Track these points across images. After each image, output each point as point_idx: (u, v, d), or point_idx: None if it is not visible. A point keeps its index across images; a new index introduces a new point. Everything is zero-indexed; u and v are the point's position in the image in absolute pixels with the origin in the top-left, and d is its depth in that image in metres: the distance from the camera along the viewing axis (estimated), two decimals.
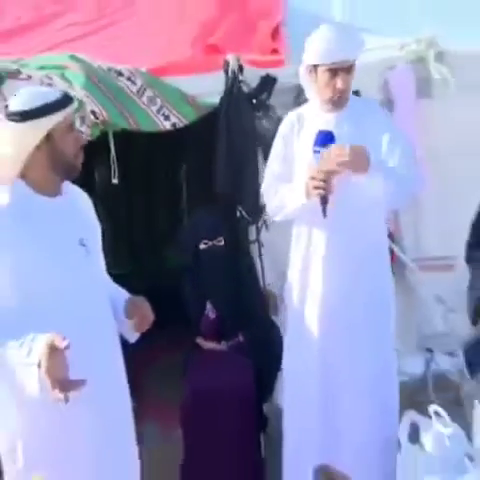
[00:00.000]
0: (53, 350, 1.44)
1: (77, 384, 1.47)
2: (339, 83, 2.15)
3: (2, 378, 1.64)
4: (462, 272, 2.89)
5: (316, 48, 2.19)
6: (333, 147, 2.06)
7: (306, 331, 2.35)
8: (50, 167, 1.69)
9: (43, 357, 1.44)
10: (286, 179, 2.32)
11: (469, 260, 2.07)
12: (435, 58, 3.21)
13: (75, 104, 1.76)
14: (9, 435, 1.72)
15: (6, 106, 1.68)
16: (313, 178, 2.07)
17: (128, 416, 1.90)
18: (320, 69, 2.17)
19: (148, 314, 1.81)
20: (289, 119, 2.39)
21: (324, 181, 2.05)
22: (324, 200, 2.10)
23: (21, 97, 1.68)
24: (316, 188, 2.07)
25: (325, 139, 2.09)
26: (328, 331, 2.31)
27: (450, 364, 2.91)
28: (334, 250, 2.26)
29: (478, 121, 2.92)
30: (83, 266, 1.74)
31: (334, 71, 2.15)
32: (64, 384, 1.45)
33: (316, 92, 2.27)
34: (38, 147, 1.64)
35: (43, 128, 1.63)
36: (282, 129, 2.39)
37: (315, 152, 2.10)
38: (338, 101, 2.22)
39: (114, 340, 1.84)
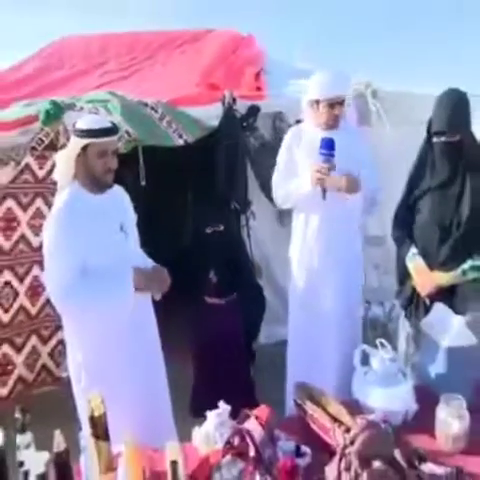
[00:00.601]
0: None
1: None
2: (336, 111, 2.12)
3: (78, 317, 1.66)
4: (391, 246, 2.88)
5: (318, 88, 2.13)
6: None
7: (304, 286, 2.33)
8: (87, 177, 1.63)
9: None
10: (288, 175, 2.25)
11: (394, 238, 2.05)
12: (371, 95, 3.17)
13: (114, 137, 1.64)
14: (76, 364, 1.70)
15: (67, 129, 1.67)
16: (318, 171, 2.04)
17: (159, 351, 1.85)
18: (321, 103, 2.12)
19: (167, 279, 1.75)
20: (292, 132, 2.30)
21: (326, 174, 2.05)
22: (324, 188, 2.08)
23: (84, 119, 1.65)
24: (319, 179, 2.04)
25: (328, 144, 2.03)
26: (319, 286, 2.28)
27: (381, 311, 2.89)
28: (323, 235, 2.23)
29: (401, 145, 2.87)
30: (123, 245, 1.69)
31: (332, 104, 2.10)
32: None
33: (314, 118, 2.19)
34: (78, 157, 1.59)
35: (81, 143, 1.58)
36: (287, 140, 2.29)
37: (321, 154, 2.04)
38: (333, 124, 2.16)
39: (147, 296, 1.79)
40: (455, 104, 1.78)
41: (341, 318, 2.25)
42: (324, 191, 2.08)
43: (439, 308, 1.59)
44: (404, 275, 1.98)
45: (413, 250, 1.91)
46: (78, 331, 1.68)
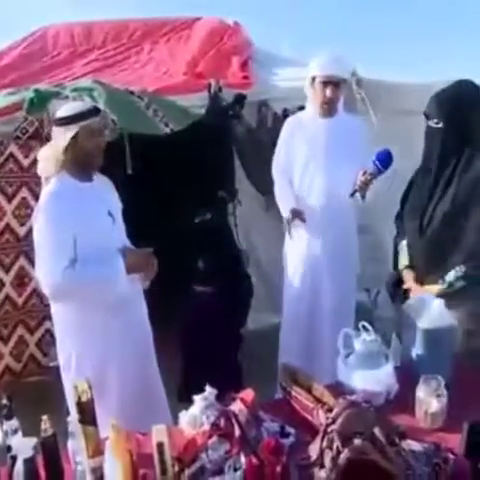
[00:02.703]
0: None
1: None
2: (328, 92, 2.13)
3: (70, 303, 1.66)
4: (376, 235, 2.91)
5: (315, 65, 2.18)
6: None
7: (299, 276, 2.38)
8: (77, 162, 1.63)
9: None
10: (287, 166, 2.34)
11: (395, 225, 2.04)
12: (356, 83, 3.17)
13: (99, 116, 1.66)
14: (66, 352, 1.71)
15: (51, 117, 1.67)
16: (364, 176, 2.04)
17: (150, 338, 1.86)
18: (316, 80, 2.15)
19: (154, 263, 1.75)
20: (289, 122, 2.36)
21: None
22: (363, 193, 2.10)
23: (63, 108, 1.63)
24: (361, 186, 2.06)
25: (385, 158, 1.97)
26: (314, 276, 2.34)
27: (366, 297, 2.92)
28: (320, 226, 2.29)
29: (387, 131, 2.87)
30: (111, 230, 1.70)
31: (325, 83, 2.12)
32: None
33: (312, 98, 2.23)
34: (68, 146, 1.58)
35: (71, 131, 1.57)
36: (284, 129, 2.36)
37: (373, 162, 1.99)
38: (327, 107, 2.18)
39: (137, 283, 1.79)
40: (451, 92, 1.73)
41: (336, 306, 2.29)
42: (363, 196, 2.10)
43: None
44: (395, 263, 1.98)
45: (403, 242, 1.90)
46: (68, 319, 1.68)
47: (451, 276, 1.70)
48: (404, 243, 1.90)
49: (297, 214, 2.22)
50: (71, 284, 1.57)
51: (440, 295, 1.64)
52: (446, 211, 1.71)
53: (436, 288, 1.72)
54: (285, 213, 2.28)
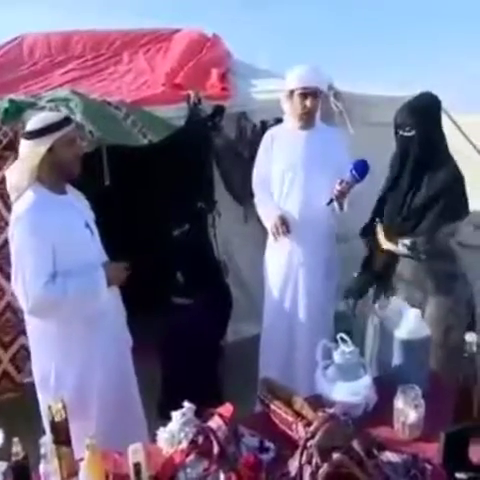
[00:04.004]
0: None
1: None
2: (308, 103, 2.17)
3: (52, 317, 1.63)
4: (355, 243, 2.93)
5: (293, 78, 2.20)
6: None
7: (278, 286, 2.39)
8: (54, 173, 1.60)
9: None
10: (267, 176, 2.37)
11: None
12: (334, 96, 3.22)
13: (73, 125, 1.65)
14: (44, 368, 1.67)
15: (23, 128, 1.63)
16: (340, 185, 2.08)
17: (129, 350, 1.85)
18: (295, 93, 2.18)
19: (124, 272, 1.74)
20: (268, 135, 2.40)
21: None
22: (340, 201, 2.14)
23: (32, 120, 1.60)
24: (337, 195, 2.11)
25: (362, 168, 2.02)
26: (294, 288, 2.35)
27: (344, 305, 2.95)
28: (300, 237, 2.31)
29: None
30: (89, 242, 1.69)
31: (304, 95, 2.15)
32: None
33: (290, 112, 2.26)
34: (43, 159, 1.54)
35: (45, 144, 1.53)
36: (263, 142, 2.39)
37: (351, 172, 2.04)
38: (306, 118, 2.22)
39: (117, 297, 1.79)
40: (418, 103, 1.89)
41: (315, 317, 2.29)
42: (341, 206, 2.14)
43: (396, 302, 1.65)
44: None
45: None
46: (47, 334, 1.64)
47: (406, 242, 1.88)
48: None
49: (284, 222, 2.23)
50: (52, 298, 1.53)
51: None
52: (419, 206, 1.88)
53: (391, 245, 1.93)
54: (269, 222, 2.28)
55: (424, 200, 1.87)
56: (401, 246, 1.92)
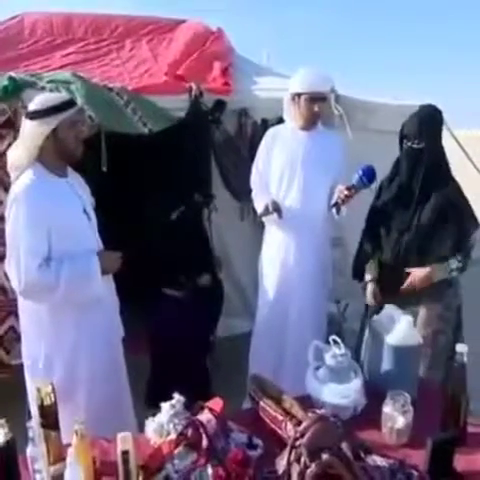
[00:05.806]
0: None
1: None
2: (316, 108, 2.16)
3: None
4: (348, 247, 2.95)
5: (302, 82, 2.19)
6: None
7: (273, 284, 2.38)
8: (56, 154, 1.58)
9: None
10: (266, 174, 2.35)
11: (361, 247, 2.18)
12: (335, 99, 3.23)
13: (77, 107, 1.64)
14: (34, 351, 1.65)
15: (25, 107, 1.60)
16: (347, 190, 2.08)
17: (120, 338, 1.83)
18: (303, 97, 2.17)
19: (118, 260, 1.72)
20: (269, 133, 2.38)
21: None
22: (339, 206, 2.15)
23: (36, 100, 1.57)
24: (343, 199, 2.10)
25: (370, 173, 2.02)
26: (288, 291, 2.35)
27: (335, 308, 2.97)
28: (295, 242, 2.32)
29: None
30: (86, 228, 1.67)
31: (313, 100, 2.15)
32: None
33: (295, 114, 2.24)
34: (47, 139, 1.53)
35: (50, 124, 1.51)
36: (264, 140, 2.37)
37: (358, 176, 2.03)
38: (313, 121, 2.23)
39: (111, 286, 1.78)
40: (426, 115, 1.91)
41: (307, 317, 2.30)
42: (338, 209, 2.14)
43: (390, 307, 1.66)
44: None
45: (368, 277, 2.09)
46: (39, 318, 1.62)
47: (452, 264, 1.88)
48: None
49: (276, 205, 2.21)
50: (45, 282, 1.51)
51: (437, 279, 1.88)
52: (427, 222, 1.90)
53: (437, 271, 1.90)
54: (261, 205, 2.25)
55: (435, 213, 1.88)
56: (451, 273, 1.89)
